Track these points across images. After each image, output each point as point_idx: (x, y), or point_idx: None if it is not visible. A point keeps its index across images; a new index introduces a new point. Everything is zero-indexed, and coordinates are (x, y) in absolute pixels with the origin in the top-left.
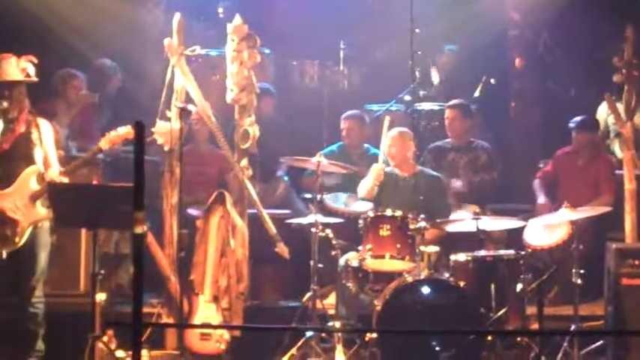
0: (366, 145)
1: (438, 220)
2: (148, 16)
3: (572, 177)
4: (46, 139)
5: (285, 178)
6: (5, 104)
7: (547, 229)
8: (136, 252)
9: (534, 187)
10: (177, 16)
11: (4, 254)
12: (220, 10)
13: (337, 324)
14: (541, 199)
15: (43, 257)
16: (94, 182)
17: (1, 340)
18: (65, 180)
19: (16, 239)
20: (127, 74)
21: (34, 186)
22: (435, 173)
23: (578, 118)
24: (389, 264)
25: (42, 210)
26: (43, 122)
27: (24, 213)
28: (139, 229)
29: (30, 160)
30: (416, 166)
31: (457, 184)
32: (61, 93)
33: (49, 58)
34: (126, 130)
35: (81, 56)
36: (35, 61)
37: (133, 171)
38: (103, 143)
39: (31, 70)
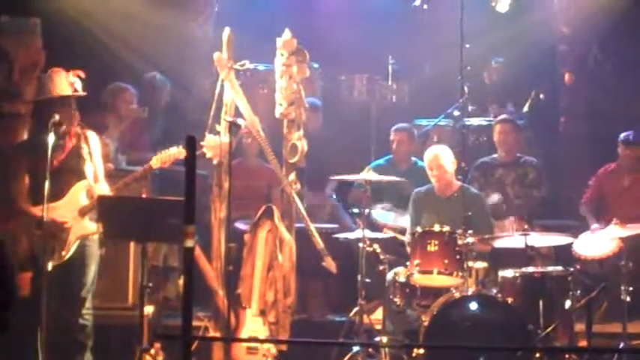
0: (413, 159)
1: (487, 237)
2: (198, 31)
3: (618, 197)
4: (95, 152)
5: (334, 197)
6: (57, 117)
7: (597, 242)
8: (186, 265)
9: (582, 213)
10: (226, 31)
11: (50, 267)
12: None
13: (384, 339)
14: (594, 224)
15: (92, 269)
16: (144, 195)
17: (50, 352)
18: (104, 187)
19: (63, 252)
20: (176, 88)
21: (84, 201)
22: (476, 191)
23: (625, 133)
24: (437, 279)
25: (90, 225)
26: (91, 135)
27: (72, 227)
28: (189, 243)
29: (80, 175)
30: (456, 184)
31: (494, 198)
32: (112, 107)
33: (99, 73)
34: (177, 151)
35: (132, 70)
36: (83, 75)
37: (181, 184)
38: (154, 162)
39: (79, 85)
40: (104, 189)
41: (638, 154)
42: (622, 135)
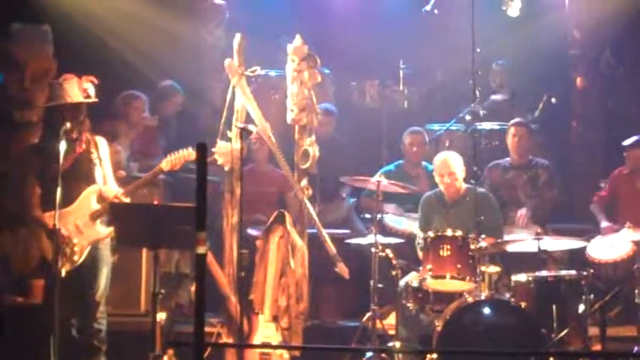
0: (424, 163)
1: (500, 240)
2: (209, 37)
3: (631, 199)
4: (104, 157)
5: (351, 201)
6: (68, 125)
7: (611, 246)
8: (198, 272)
9: (592, 211)
10: (237, 37)
11: (64, 273)
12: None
13: (397, 344)
14: (604, 222)
15: (104, 272)
16: (156, 202)
17: (64, 358)
18: (126, 200)
19: (75, 257)
20: (188, 95)
21: (95, 205)
22: (482, 190)
23: (629, 139)
24: (449, 284)
25: (101, 229)
26: (100, 140)
27: (84, 232)
28: (201, 249)
29: (90, 180)
30: (462, 187)
31: (522, 212)
32: (123, 114)
33: (111, 80)
34: (187, 152)
35: (143, 77)
36: (95, 81)
37: (193, 191)
38: (165, 164)
39: (92, 91)
40: (115, 189)
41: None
42: (627, 141)
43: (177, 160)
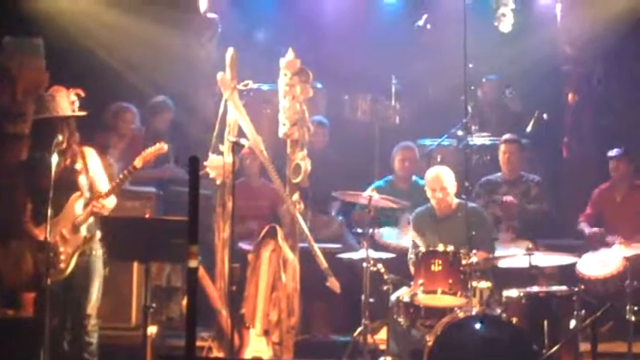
0: (414, 177)
1: (491, 256)
2: (201, 51)
3: (613, 213)
4: (92, 166)
5: (340, 218)
6: (60, 138)
7: (601, 262)
8: (190, 285)
9: (579, 228)
10: (230, 51)
11: (49, 281)
12: None
13: (388, 359)
14: (587, 229)
15: (97, 285)
16: (147, 216)
17: None
18: (111, 201)
19: (62, 265)
20: (180, 108)
21: (79, 212)
22: (474, 204)
23: (614, 149)
24: (441, 299)
25: (85, 234)
26: (88, 151)
27: (69, 240)
28: (193, 263)
29: (75, 189)
30: (454, 202)
31: (508, 198)
32: (113, 126)
33: (102, 92)
34: (158, 146)
35: (135, 90)
36: (82, 94)
37: (185, 205)
38: (137, 162)
39: (77, 104)
40: (112, 202)
41: (626, 168)
42: (611, 152)
43: (149, 156)
